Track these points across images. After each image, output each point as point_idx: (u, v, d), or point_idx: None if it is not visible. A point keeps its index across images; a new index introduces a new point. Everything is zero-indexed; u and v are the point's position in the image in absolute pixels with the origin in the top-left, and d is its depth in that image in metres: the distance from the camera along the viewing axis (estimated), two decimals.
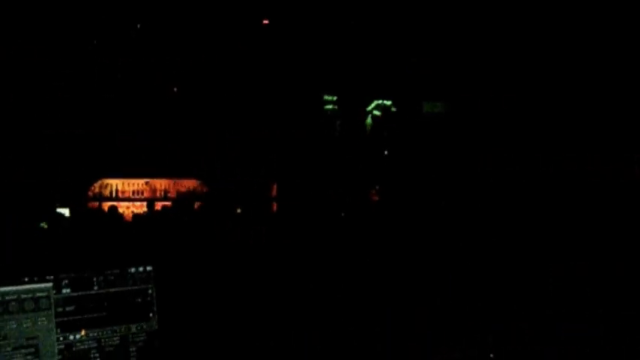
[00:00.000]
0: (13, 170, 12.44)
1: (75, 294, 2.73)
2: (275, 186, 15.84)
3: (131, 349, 2.81)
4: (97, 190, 16.11)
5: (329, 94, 15.52)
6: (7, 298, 2.62)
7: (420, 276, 4.75)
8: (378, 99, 16.18)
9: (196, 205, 15.27)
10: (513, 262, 5.20)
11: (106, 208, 15.52)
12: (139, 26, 13.91)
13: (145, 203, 15.87)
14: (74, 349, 2.70)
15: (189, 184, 16.01)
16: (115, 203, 15.85)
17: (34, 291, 2.67)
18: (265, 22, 13.56)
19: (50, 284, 2.70)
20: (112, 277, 2.79)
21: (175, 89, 15.27)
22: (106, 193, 16.31)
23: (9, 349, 2.60)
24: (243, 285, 3.48)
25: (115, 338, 2.79)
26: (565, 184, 11.33)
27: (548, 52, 12.68)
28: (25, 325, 2.63)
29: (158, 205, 15.88)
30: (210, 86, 15.22)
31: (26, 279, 2.67)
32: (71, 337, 2.70)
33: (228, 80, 15.08)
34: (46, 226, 8.49)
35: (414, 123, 15.84)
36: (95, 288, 2.76)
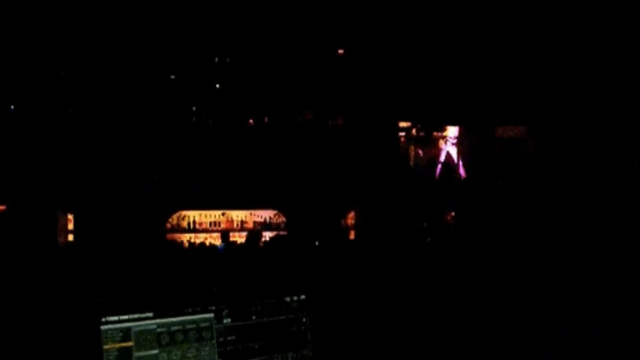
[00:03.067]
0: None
1: (235, 324, 2.78)
2: (352, 214, 15.86)
3: None
4: (174, 221, 16.38)
5: (403, 120, 15.54)
6: (172, 329, 2.68)
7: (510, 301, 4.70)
8: (449, 124, 16.13)
9: (270, 235, 15.42)
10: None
11: (184, 240, 15.84)
12: (217, 59, 14.24)
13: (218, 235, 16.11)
14: None
15: (265, 214, 16.14)
16: (193, 234, 16.16)
17: (197, 321, 2.73)
18: (340, 51, 13.73)
19: (212, 314, 2.76)
20: (269, 307, 2.83)
21: (251, 120, 15.51)
22: (184, 224, 16.55)
23: None
24: (389, 313, 3.50)
25: None
26: None
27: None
28: (189, 355, 2.69)
29: (233, 236, 16.10)
30: (284, 118, 15.43)
31: (189, 310, 2.73)
32: None
33: (299, 110, 15.28)
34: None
35: (486, 147, 15.72)
36: (254, 317, 2.81)
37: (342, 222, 16.06)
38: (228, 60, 14.22)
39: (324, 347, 2.77)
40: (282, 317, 2.85)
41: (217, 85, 14.70)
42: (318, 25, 12.94)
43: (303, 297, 2.88)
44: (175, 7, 12.46)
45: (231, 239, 15.87)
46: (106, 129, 14.07)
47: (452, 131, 16.31)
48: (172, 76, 14.63)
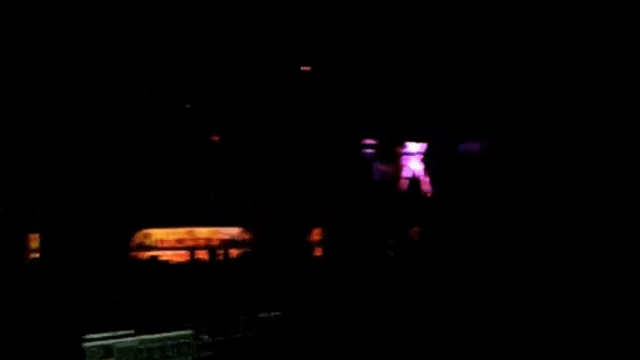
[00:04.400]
0: None
1: (214, 339, 2.88)
2: (317, 230, 15.94)
3: None
4: (139, 239, 16.28)
5: (368, 138, 15.74)
6: (152, 345, 2.78)
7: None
8: (414, 141, 16.37)
9: (237, 252, 15.44)
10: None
11: (150, 258, 15.72)
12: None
13: (187, 252, 16.03)
14: None
15: (231, 231, 16.14)
16: (158, 253, 16.05)
17: (176, 338, 2.83)
18: (306, 68, 13.88)
19: (190, 331, 2.86)
20: (246, 323, 2.94)
21: (217, 138, 15.54)
22: (148, 242, 16.46)
23: None
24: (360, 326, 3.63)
25: None
26: None
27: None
28: None
29: (199, 254, 16.06)
30: (249, 134, 15.49)
31: (168, 327, 2.83)
32: None
33: (265, 129, 15.36)
34: None
35: (451, 163, 15.98)
36: (232, 334, 2.91)
37: (308, 238, 16.15)
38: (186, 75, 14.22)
39: None
40: (258, 333, 2.96)
41: (187, 105, 14.73)
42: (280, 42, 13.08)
43: (278, 313, 2.99)
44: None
45: (197, 256, 15.85)
46: (70, 149, 13.98)
47: (416, 147, 16.55)
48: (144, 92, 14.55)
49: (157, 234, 16.20)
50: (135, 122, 14.91)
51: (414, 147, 16.46)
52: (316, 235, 16.09)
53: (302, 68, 14.09)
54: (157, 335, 2.77)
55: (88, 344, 2.49)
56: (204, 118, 15.20)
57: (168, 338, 2.79)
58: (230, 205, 15.43)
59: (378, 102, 14.13)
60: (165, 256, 15.75)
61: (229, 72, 13.77)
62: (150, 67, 13.65)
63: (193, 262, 14.20)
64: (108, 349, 2.59)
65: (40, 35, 12.47)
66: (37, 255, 14.79)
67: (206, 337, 2.86)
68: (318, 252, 15.53)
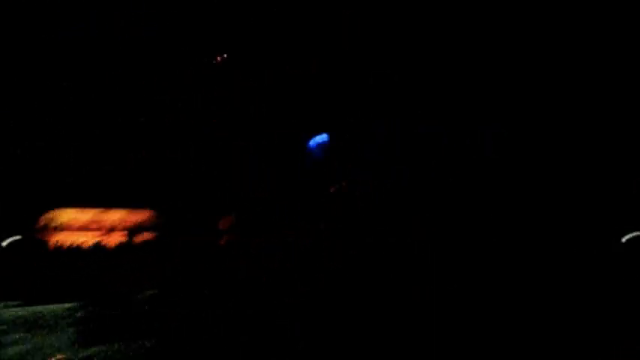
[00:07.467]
0: None
1: (92, 314, 3.31)
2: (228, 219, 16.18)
3: None
4: (46, 221, 16.10)
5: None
6: (38, 314, 3.18)
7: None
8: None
9: (150, 235, 15.57)
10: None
11: (56, 239, 15.62)
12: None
13: (96, 233, 16.00)
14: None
15: (143, 214, 16.21)
16: (67, 233, 15.96)
17: (59, 310, 3.25)
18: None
19: (73, 304, 3.28)
20: (122, 300, 3.38)
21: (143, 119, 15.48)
22: (57, 223, 16.31)
23: None
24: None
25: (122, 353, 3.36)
26: None
27: None
28: (52, 338, 3.20)
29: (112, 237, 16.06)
30: (170, 115, 15.53)
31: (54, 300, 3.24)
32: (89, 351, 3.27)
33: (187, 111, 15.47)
34: None
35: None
36: (108, 310, 3.35)
37: (218, 225, 16.35)
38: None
39: (168, 337, 3.34)
40: (135, 309, 3.40)
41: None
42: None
43: (154, 292, 3.44)
44: None
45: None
46: None
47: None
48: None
49: (67, 214, 16.08)
50: (53, 96, 14.72)
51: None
52: (223, 223, 16.29)
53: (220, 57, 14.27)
54: (42, 307, 3.19)
55: None
56: (123, 97, 15.12)
57: (53, 310, 3.21)
58: (144, 188, 15.47)
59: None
60: (74, 237, 15.69)
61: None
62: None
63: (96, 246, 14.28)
64: None
65: None
66: None
67: (82, 312, 3.29)
68: (223, 240, 15.78)
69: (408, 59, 14.00)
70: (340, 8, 12.66)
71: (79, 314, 3.21)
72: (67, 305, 3.02)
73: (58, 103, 14.84)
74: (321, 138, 16.40)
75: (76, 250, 11.07)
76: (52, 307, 3.03)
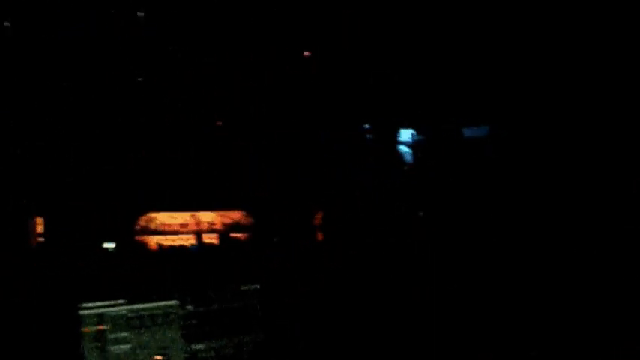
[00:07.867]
0: None
1: (197, 310, 3.18)
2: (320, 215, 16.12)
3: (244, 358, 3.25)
4: (143, 223, 16.53)
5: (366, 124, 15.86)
6: (141, 313, 3.08)
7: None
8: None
9: (243, 236, 15.73)
10: None
11: (155, 240, 16.06)
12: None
13: (190, 236, 16.32)
14: (198, 355, 3.15)
15: (234, 216, 16.43)
16: (162, 236, 16.37)
17: (163, 307, 3.13)
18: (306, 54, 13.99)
19: (176, 301, 3.16)
20: (226, 295, 3.24)
21: (220, 123, 15.67)
22: (152, 226, 16.71)
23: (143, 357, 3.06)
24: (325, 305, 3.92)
25: (229, 348, 3.23)
26: None
27: None
28: (156, 337, 3.09)
29: (205, 238, 16.37)
30: (251, 120, 15.63)
31: (156, 297, 3.14)
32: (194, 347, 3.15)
33: (269, 114, 15.52)
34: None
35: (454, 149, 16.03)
36: (213, 305, 3.22)
37: (312, 223, 16.33)
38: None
39: (275, 332, 3.18)
40: (238, 304, 3.26)
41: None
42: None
43: (257, 286, 3.29)
44: None
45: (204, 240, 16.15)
46: (69, 135, 14.13)
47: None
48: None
49: (161, 218, 16.46)
50: (136, 108, 14.98)
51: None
52: (319, 219, 16.28)
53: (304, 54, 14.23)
54: (146, 305, 3.07)
55: (83, 312, 2.80)
56: (206, 103, 15.30)
57: (156, 307, 3.09)
58: (234, 189, 15.64)
59: (379, 88, 14.26)
60: (168, 240, 16.05)
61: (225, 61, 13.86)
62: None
63: (195, 246, 14.53)
64: (101, 316, 2.89)
65: None
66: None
67: (191, 307, 3.16)
68: (319, 236, 15.76)
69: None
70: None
71: (182, 311, 3.09)
72: (170, 302, 2.94)
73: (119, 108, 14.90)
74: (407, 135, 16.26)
75: (176, 250, 11.26)
76: (155, 304, 2.95)
